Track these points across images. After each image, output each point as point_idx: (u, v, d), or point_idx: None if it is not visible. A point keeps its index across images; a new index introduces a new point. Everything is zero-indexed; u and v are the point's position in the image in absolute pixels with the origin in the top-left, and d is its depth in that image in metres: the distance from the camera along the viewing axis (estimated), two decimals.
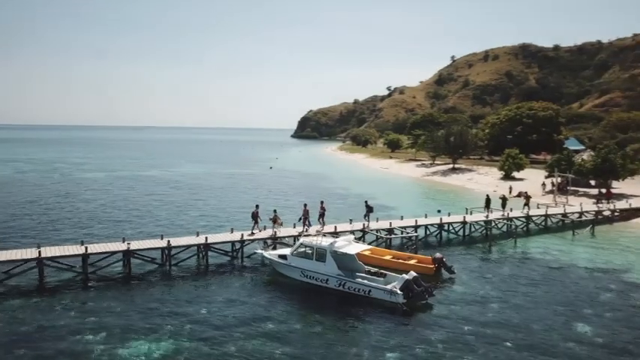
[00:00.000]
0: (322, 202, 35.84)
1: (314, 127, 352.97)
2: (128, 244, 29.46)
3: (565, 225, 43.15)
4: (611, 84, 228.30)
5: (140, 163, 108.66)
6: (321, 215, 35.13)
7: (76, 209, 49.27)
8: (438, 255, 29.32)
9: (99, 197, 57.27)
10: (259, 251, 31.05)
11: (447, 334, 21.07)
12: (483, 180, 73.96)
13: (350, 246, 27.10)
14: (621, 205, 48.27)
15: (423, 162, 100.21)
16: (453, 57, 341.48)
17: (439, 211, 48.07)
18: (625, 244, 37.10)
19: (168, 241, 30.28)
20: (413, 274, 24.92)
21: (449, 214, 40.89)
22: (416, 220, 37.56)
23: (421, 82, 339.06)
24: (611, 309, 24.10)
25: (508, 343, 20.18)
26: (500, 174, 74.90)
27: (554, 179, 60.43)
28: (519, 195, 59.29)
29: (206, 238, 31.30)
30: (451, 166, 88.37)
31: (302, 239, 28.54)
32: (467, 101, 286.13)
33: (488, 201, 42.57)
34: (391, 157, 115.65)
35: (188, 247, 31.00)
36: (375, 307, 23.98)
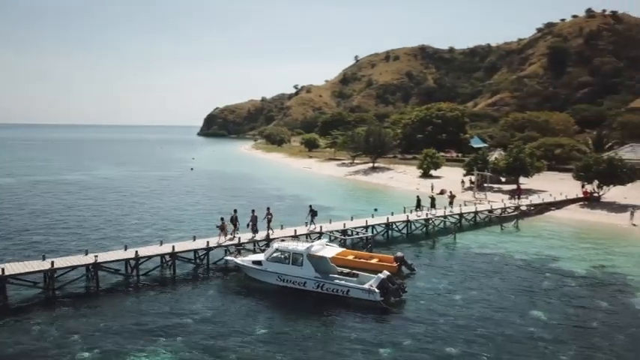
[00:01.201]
0: (268, 208, 35.83)
1: (221, 125, 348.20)
2: (95, 256, 28.83)
3: (491, 220, 47.67)
4: (500, 85, 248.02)
5: (54, 167, 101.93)
6: (269, 221, 35.17)
7: None
8: (399, 254, 31.75)
9: (21, 207, 53.78)
10: (229, 258, 31.66)
11: (425, 326, 23.34)
12: (404, 178, 78.51)
13: (325, 249, 28.68)
14: (536, 200, 54.05)
15: (343, 161, 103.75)
16: (356, 57, 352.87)
17: (375, 210, 51.11)
18: (547, 235, 42.05)
19: (136, 252, 30.04)
20: (386, 273, 27.08)
21: (392, 214, 43.63)
22: (366, 221, 39.89)
23: (327, 81, 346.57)
24: (554, 294, 27.80)
25: (480, 330, 22.88)
26: (418, 172, 79.83)
27: (472, 177, 65.99)
28: (442, 193, 64.12)
29: (173, 247, 31.31)
30: (371, 165, 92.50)
31: (276, 244, 29.64)
32: (371, 100, 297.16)
33: (419, 201, 45.79)
34: (311, 157, 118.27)
35: (158, 256, 30.87)
36: (353, 307, 25.70)
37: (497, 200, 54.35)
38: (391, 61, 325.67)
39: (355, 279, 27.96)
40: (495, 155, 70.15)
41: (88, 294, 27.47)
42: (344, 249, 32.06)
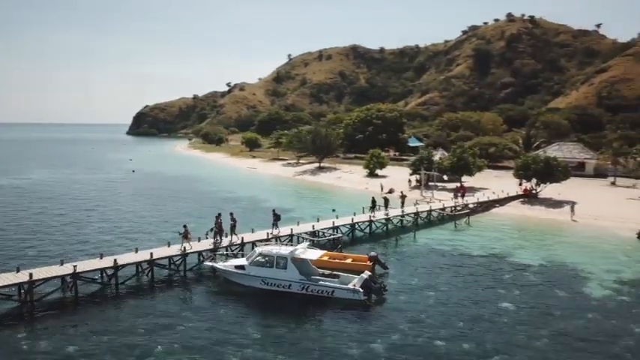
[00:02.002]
0: (232, 214, 35.59)
1: (151, 124, 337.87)
2: (74, 266, 28.34)
3: (444, 218, 50.51)
4: (429, 85, 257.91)
5: None
6: (233, 227, 34.96)
7: None
8: (372, 253, 33.38)
9: None
10: (208, 263, 31.99)
11: (408, 319, 25.12)
12: (352, 178, 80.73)
13: (308, 252, 29.77)
14: (482, 198, 57.60)
15: (289, 161, 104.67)
16: (289, 55, 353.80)
17: (334, 211, 52.62)
18: (497, 231, 45.27)
19: (115, 260, 29.75)
20: (368, 273, 28.62)
21: (354, 214, 45.30)
22: (333, 222, 41.27)
23: (260, 79, 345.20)
24: (516, 286, 30.41)
25: (460, 323, 24.87)
26: (364, 172, 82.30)
27: (417, 176, 69.09)
28: (390, 192, 66.66)
29: (151, 253, 31.30)
30: (317, 165, 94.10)
31: (259, 249, 30.37)
32: (305, 99, 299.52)
33: (374, 202, 47.26)
34: (254, 157, 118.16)
35: (135, 264, 30.70)
36: (337, 306, 26.94)
37: (444, 198, 57.38)
38: (324, 61, 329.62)
39: (337, 280, 29.24)
40: (438, 155, 73.73)
41: (67, 305, 27.02)
42: (325, 251, 33.18)
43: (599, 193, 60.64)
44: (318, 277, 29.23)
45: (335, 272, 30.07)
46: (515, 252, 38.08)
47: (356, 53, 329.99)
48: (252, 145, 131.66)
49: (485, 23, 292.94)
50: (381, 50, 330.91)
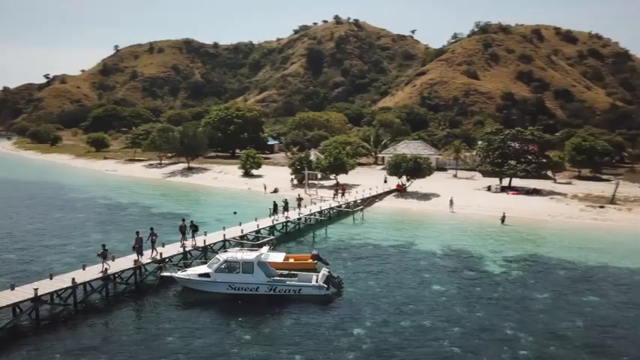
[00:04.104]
0: (152, 229, 35.03)
1: None
2: (35, 289, 27.13)
3: (340, 214, 55.81)
4: (267, 82, 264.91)
5: None
6: (153, 242, 34.40)
7: None
8: (314, 252, 37.13)
9: None
10: (166, 274, 32.62)
11: (371, 307, 29.60)
12: (229, 178, 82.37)
13: (272, 255, 32.39)
14: (359, 194, 64.26)
15: (150, 162, 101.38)
16: (116, 47, 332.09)
17: (235, 213, 55.03)
18: (392, 223, 52.22)
19: (73, 279, 28.98)
20: (326, 269, 32.35)
21: (269, 215, 48.12)
22: (257, 225, 43.89)
23: (83, 71, 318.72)
24: (434, 270, 36.81)
25: (410, 305, 30.11)
26: (240, 172, 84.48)
27: (295, 175, 73.74)
28: (275, 191, 70.43)
29: (106, 269, 31.03)
30: (185, 165, 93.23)
31: (224, 256, 32.05)
32: (137, 93, 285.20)
33: (275, 206, 49.97)
34: (106, 158, 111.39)
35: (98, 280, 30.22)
36: (301, 303, 30.27)
37: (326, 196, 62.49)
38: (155, 53, 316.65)
39: (296, 279, 32.39)
40: (312, 155, 78.98)
41: (27, 331, 26.17)
42: (285, 253, 35.69)
43: (451, 186, 71.65)
44: (280, 278, 32.06)
45: (292, 272, 33.16)
46: (417, 241, 44.92)
47: (190, 47, 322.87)
48: (99, 145, 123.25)
49: (315, 24, 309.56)
50: (216, 45, 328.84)
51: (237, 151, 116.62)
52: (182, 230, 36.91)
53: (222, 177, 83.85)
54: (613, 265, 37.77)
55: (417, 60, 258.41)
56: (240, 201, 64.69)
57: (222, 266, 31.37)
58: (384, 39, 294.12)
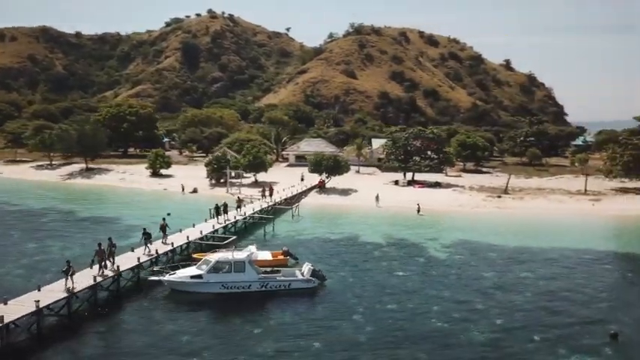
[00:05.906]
0: (110, 239, 33.69)
1: None
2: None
3: (276, 211, 57.94)
4: (140, 76, 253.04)
5: None
6: (112, 253, 33.07)
7: None
8: (285, 248, 39.35)
9: None
10: (154, 278, 32.75)
11: (353, 296, 32.84)
12: (138, 179, 79.63)
13: (260, 253, 34.11)
14: (281, 191, 66.85)
15: (39, 164, 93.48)
16: None
17: (169, 214, 54.65)
18: (328, 219, 55.87)
19: (37, 302, 26.21)
20: (309, 264, 34.92)
21: (211, 217, 48.75)
22: (213, 225, 44.90)
23: None
24: (388, 258, 41.06)
25: (388, 289, 33.99)
26: (148, 172, 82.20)
27: (213, 175, 74.22)
28: (194, 191, 70.41)
29: (94, 277, 30.50)
30: (82, 166, 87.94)
31: (216, 257, 33.05)
32: None
33: (217, 208, 50.30)
34: None
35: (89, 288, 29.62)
36: (287, 297, 32.53)
37: (255, 195, 64.18)
38: (7, 42, 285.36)
39: (281, 274, 34.51)
40: (228, 155, 79.47)
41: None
42: (270, 252, 36.96)
43: (361, 181, 77.27)
44: (269, 275, 33.97)
45: (276, 268, 35.20)
46: (359, 233, 48.97)
47: (48, 36, 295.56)
48: None
49: (188, 17, 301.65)
50: (78, 35, 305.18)
51: (132, 150, 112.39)
52: (163, 229, 38.06)
53: (129, 177, 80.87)
54: (530, 246, 45.17)
55: (293, 57, 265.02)
56: (164, 203, 63.63)
57: (214, 267, 32.47)
58: (260, 35, 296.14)
